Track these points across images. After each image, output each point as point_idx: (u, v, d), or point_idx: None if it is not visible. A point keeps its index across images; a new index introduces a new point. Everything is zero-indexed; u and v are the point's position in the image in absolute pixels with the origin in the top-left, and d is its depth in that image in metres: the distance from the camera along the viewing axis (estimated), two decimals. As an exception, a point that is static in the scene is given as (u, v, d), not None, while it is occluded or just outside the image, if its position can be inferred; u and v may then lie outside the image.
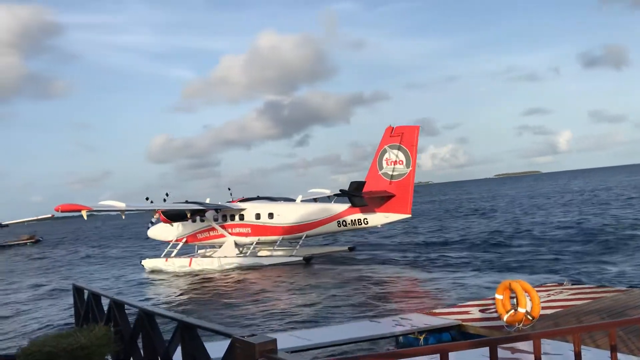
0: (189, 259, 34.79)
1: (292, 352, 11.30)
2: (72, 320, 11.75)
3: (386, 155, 31.93)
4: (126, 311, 8.20)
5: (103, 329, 7.73)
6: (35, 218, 75.79)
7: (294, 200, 37.59)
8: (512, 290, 12.15)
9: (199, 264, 34.15)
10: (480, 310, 13.90)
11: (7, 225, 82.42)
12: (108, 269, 39.37)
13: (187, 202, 34.83)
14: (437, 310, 14.37)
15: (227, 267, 33.00)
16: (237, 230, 35.20)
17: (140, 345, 7.45)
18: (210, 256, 35.41)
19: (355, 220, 32.75)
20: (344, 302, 20.50)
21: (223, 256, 34.20)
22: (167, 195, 35.34)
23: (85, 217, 31.91)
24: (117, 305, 8.11)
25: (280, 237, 34.28)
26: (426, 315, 13.85)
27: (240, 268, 32.36)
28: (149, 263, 36.32)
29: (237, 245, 35.11)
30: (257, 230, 34.78)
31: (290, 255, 33.83)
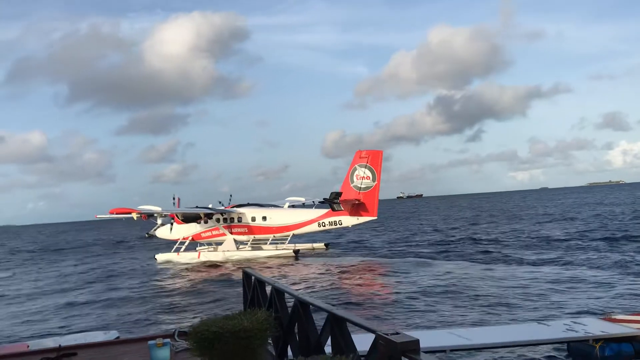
0: (197, 253, 42.06)
1: (451, 350, 11.03)
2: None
3: (356, 172, 40.23)
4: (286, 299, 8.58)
5: (264, 314, 8.16)
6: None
7: (279, 207, 45.14)
8: None
9: (206, 256, 41.40)
10: (670, 321, 12.31)
11: None
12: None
13: (197, 207, 42.62)
14: (616, 317, 13.01)
15: (231, 258, 40.05)
16: (236, 230, 42.73)
17: (296, 332, 7.75)
18: (215, 250, 42.70)
19: (332, 221, 40.66)
20: (498, 301, 19.47)
21: (226, 250, 41.73)
22: (174, 198, 43.01)
23: (135, 218, 39.79)
24: (278, 293, 8.51)
25: (272, 236, 41.98)
26: (603, 321, 12.60)
27: (243, 259, 39.39)
28: (162, 257, 42.91)
29: (235, 242, 42.44)
30: (252, 230, 42.37)
31: (282, 249, 41.37)
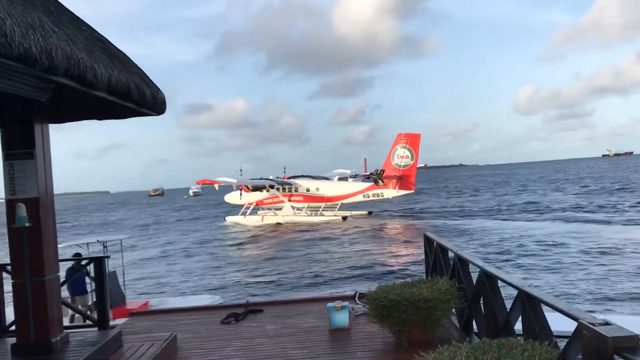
0: (260, 217, 50.35)
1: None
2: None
3: (397, 152, 47.16)
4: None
5: (446, 283, 7.59)
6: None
7: (329, 179, 53.51)
8: None
9: (268, 220, 49.68)
10: None
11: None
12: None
13: (261, 178, 50.84)
14: None
15: (289, 221, 48.00)
16: (293, 198, 50.35)
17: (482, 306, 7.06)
18: (275, 214, 50.50)
19: (375, 194, 47.79)
20: None
21: (285, 215, 49.66)
22: (241, 171, 52.63)
23: (217, 188, 48.68)
24: (461, 262, 7.86)
25: (323, 205, 49.55)
26: None
27: (299, 223, 46.30)
28: (231, 219, 52.88)
29: (292, 208, 50.24)
30: (307, 198, 50.10)
31: (333, 215, 48.64)
